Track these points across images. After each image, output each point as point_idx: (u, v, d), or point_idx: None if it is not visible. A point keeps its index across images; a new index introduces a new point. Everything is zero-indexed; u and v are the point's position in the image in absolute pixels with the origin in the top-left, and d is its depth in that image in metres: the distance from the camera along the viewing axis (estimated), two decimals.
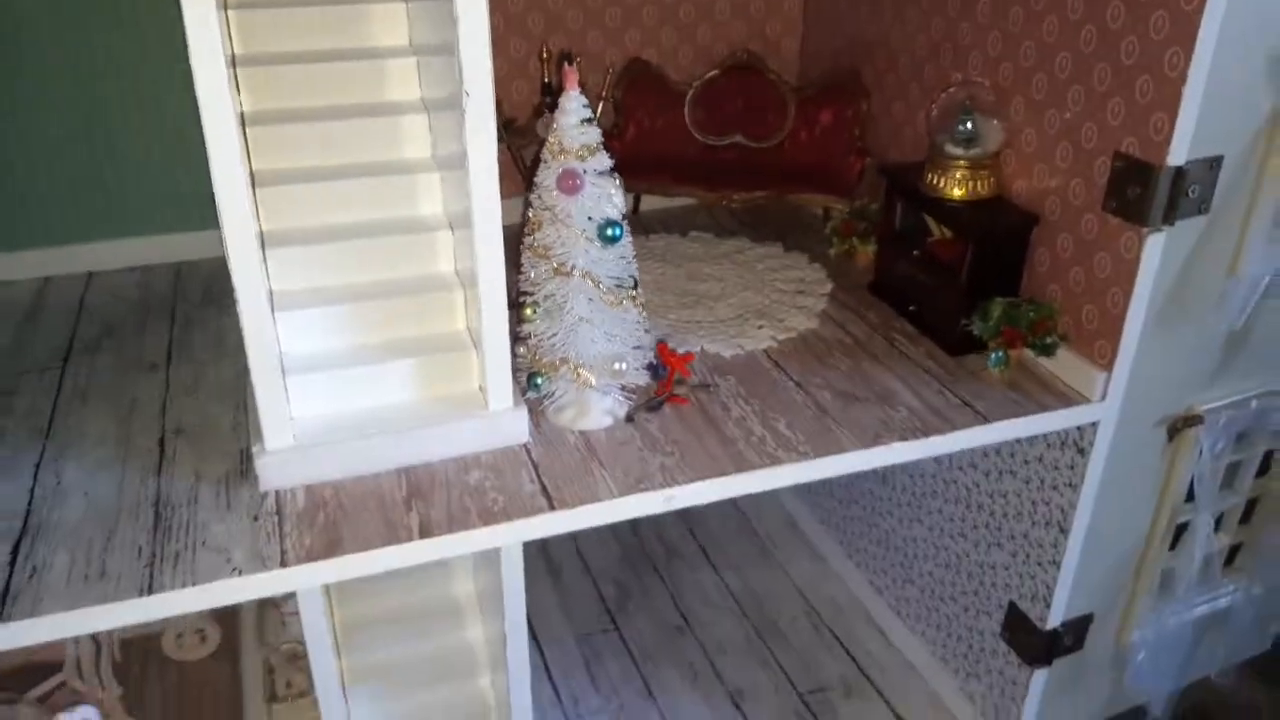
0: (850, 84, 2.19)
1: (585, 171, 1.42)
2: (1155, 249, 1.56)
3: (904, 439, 1.57)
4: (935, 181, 1.77)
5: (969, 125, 1.74)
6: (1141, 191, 1.52)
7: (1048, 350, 1.69)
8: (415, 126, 1.53)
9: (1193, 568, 2.04)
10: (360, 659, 1.84)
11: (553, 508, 1.40)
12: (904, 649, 2.36)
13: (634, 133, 2.23)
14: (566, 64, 1.41)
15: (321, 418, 1.46)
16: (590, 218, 1.45)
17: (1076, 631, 1.97)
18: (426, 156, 1.55)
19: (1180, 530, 2.03)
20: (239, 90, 1.45)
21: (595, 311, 1.50)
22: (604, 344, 1.52)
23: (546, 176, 1.43)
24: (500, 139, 1.58)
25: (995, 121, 1.74)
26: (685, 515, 2.82)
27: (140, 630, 2.20)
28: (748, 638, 2.42)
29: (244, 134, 1.42)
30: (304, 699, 1.91)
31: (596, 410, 1.57)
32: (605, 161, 1.44)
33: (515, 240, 1.44)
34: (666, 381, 1.63)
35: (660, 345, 1.62)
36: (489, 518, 1.38)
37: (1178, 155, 1.49)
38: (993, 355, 1.70)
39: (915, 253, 1.88)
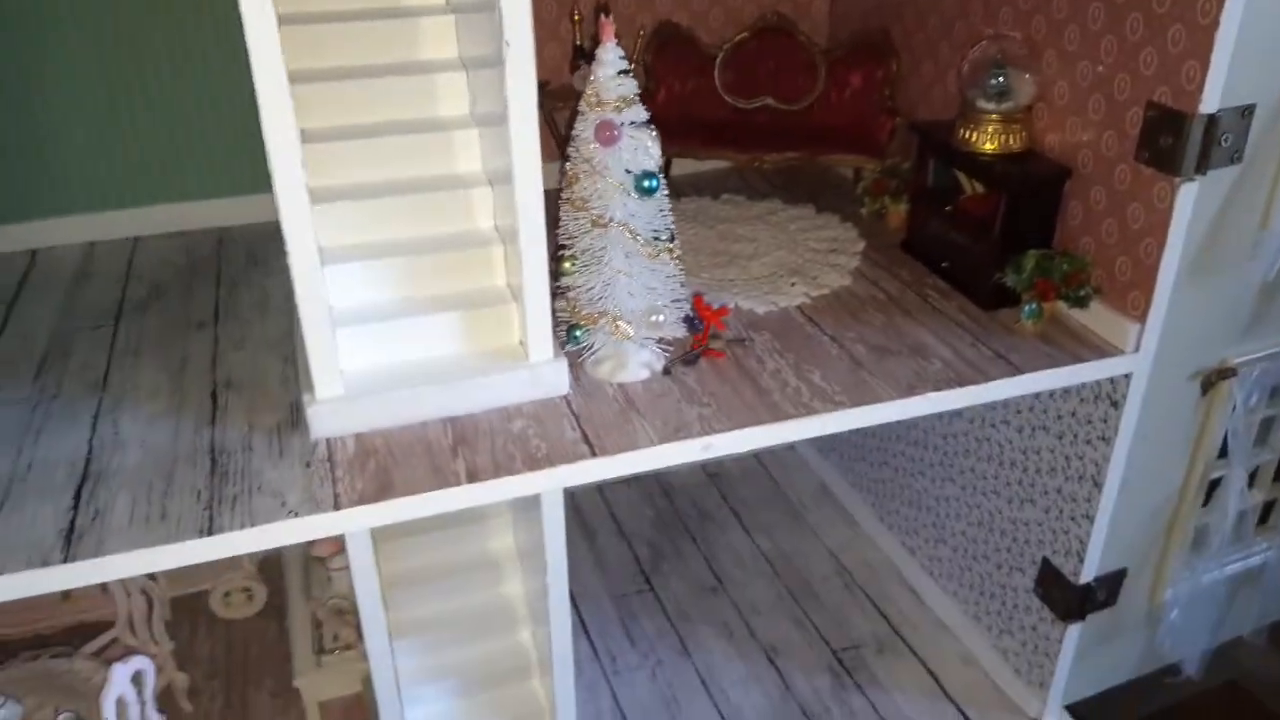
0: (880, 44, 2.20)
1: (622, 123, 1.44)
2: (1188, 199, 1.56)
3: (938, 389, 1.59)
4: (967, 136, 1.78)
5: (1001, 79, 1.75)
6: (1174, 141, 1.53)
7: (1081, 302, 1.70)
8: (453, 84, 1.56)
9: (1226, 524, 2.05)
10: (402, 614, 1.88)
11: (594, 454, 1.44)
12: (936, 608, 2.38)
13: (664, 96, 2.25)
14: (603, 16, 1.43)
15: (369, 369, 1.50)
16: (628, 170, 1.47)
17: (1110, 586, 1.99)
18: (464, 114, 1.58)
19: (1214, 486, 2.04)
20: None
21: (633, 264, 1.52)
22: (642, 297, 1.55)
23: (584, 128, 1.45)
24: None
25: (1027, 75, 1.75)
26: (717, 480, 2.85)
27: (188, 589, 2.28)
28: (780, 597, 2.45)
29: None
30: (350, 651, 1.96)
31: (634, 363, 1.60)
32: (642, 113, 1.46)
33: (551, 204, 1.47)
34: (702, 335, 1.66)
35: (696, 298, 1.65)
36: (533, 463, 1.41)
37: (1210, 103, 1.49)
38: (1026, 308, 1.71)
39: (948, 209, 1.89)
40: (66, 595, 2.09)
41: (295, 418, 1.51)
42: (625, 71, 1.45)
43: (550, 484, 1.43)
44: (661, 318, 1.56)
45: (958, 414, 2.15)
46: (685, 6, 2.30)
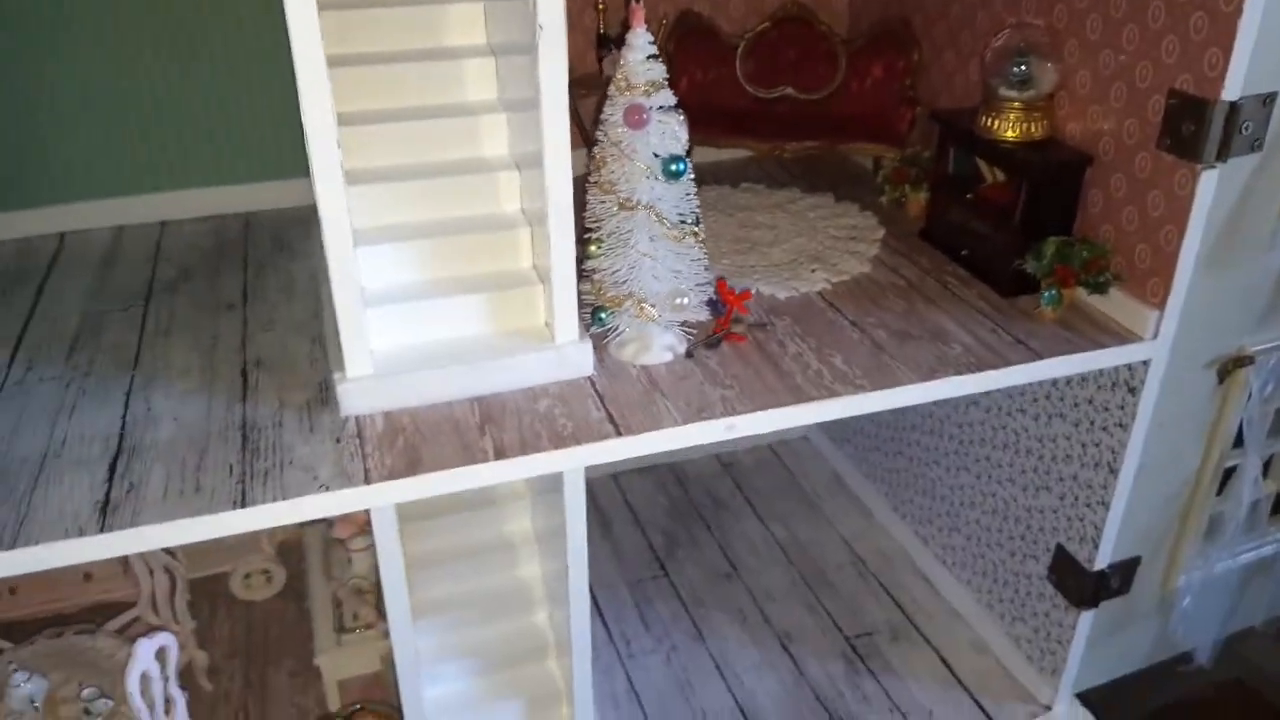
0: (901, 34, 2.22)
1: (651, 107, 1.46)
2: (1209, 186, 1.57)
3: (959, 373, 1.60)
4: (989, 124, 1.80)
5: (1024, 67, 1.76)
6: (1195, 128, 1.54)
7: (1101, 288, 1.71)
8: (482, 71, 1.58)
9: (1240, 513, 2.07)
10: (421, 595, 1.90)
11: (619, 434, 1.45)
12: (949, 597, 2.40)
13: (686, 85, 2.26)
14: (633, 1, 1.45)
15: (398, 349, 1.52)
16: (655, 153, 1.49)
17: (1124, 574, 2.00)
18: (492, 99, 1.60)
19: (1228, 475, 2.05)
20: None
21: (658, 247, 1.54)
22: (667, 279, 1.57)
23: (613, 112, 1.47)
24: None
25: (1049, 64, 1.76)
26: (731, 470, 2.87)
27: (208, 571, 2.30)
28: (794, 585, 2.46)
29: None
30: (370, 630, 1.98)
31: (658, 345, 1.62)
32: (670, 98, 1.48)
33: (577, 191, 1.49)
34: (725, 319, 1.68)
35: (720, 282, 1.66)
36: (559, 441, 1.43)
37: (1232, 91, 1.50)
38: (1046, 294, 1.72)
39: (968, 197, 1.91)
40: (88, 575, 2.11)
41: (325, 396, 1.53)
42: (654, 56, 1.46)
43: (577, 462, 1.45)
44: (686, 300, 1.58)
45: (974, 402, 2.16)
46: None
